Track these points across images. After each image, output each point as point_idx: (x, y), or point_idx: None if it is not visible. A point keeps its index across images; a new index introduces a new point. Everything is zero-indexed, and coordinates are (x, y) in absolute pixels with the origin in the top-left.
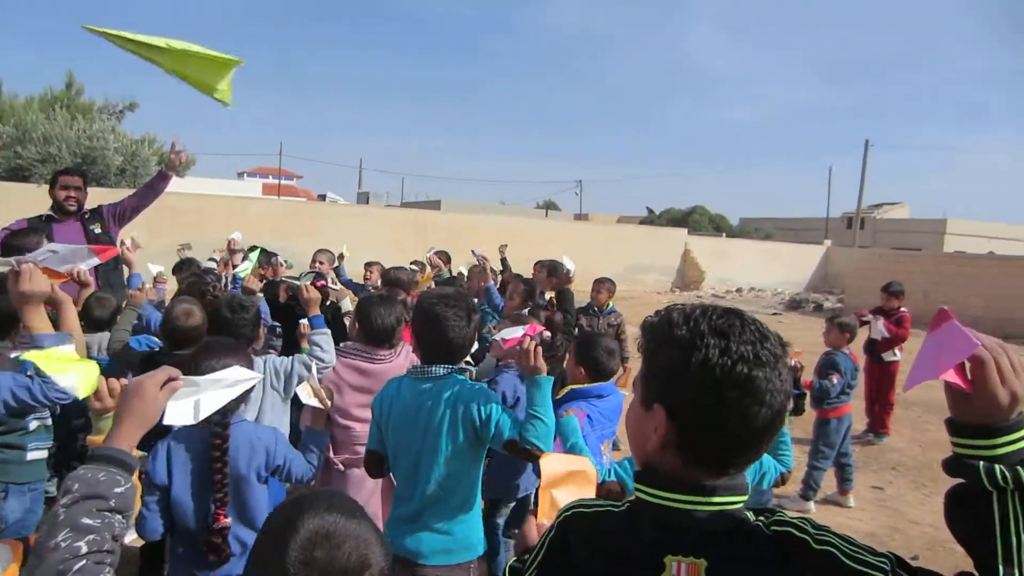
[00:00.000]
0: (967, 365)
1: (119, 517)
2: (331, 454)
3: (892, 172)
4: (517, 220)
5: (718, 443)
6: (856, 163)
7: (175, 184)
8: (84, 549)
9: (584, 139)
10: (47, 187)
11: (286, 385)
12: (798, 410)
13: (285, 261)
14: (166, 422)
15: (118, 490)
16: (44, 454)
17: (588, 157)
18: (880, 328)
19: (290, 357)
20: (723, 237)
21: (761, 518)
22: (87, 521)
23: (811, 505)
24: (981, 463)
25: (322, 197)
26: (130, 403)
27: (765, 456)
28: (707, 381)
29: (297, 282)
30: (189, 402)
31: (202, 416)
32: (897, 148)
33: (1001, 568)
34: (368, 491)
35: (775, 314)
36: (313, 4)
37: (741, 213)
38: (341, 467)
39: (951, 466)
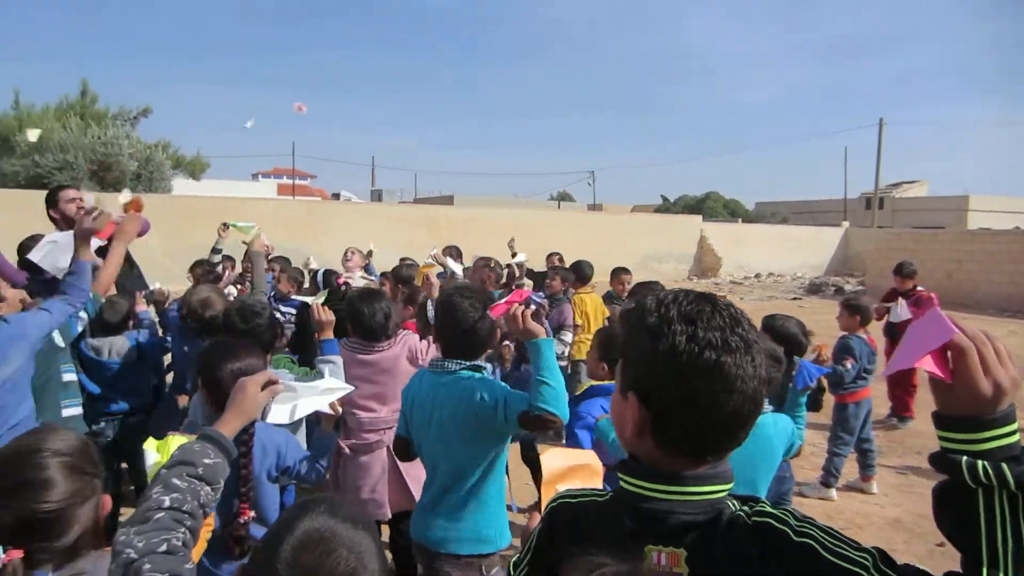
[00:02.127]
0: (949, 355)
1: (207, 488)
2: (339, 439)
3: (910, 150)
4: (530, 212)
5: (691, 431)
6: (872, 142)
7: (192, 187)
8: (167, 503)
9: (595, 129)
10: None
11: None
12: (815, 405)
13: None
14: (268, 420)
15: (207, 461)
16: (79, 411)
17: (600, 147)
18: (902, 310)
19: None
20: (739, 223)
21: (744, 508)
22: (176, 482)
23: (833, 492)
24: (964, 458)
25: (336, 196)
26: (235, 397)
27: (792, 425)
28: (674, 368)
29: (310, 299)
30: (288, 406)
31: (297, 417)
32: (914, 125)
33: (985, 571)
34: (375, 476)
35: (795, 299)
36: (317, 2)
37: (756, 198)
38: (348, 452)
39: (936, 460)
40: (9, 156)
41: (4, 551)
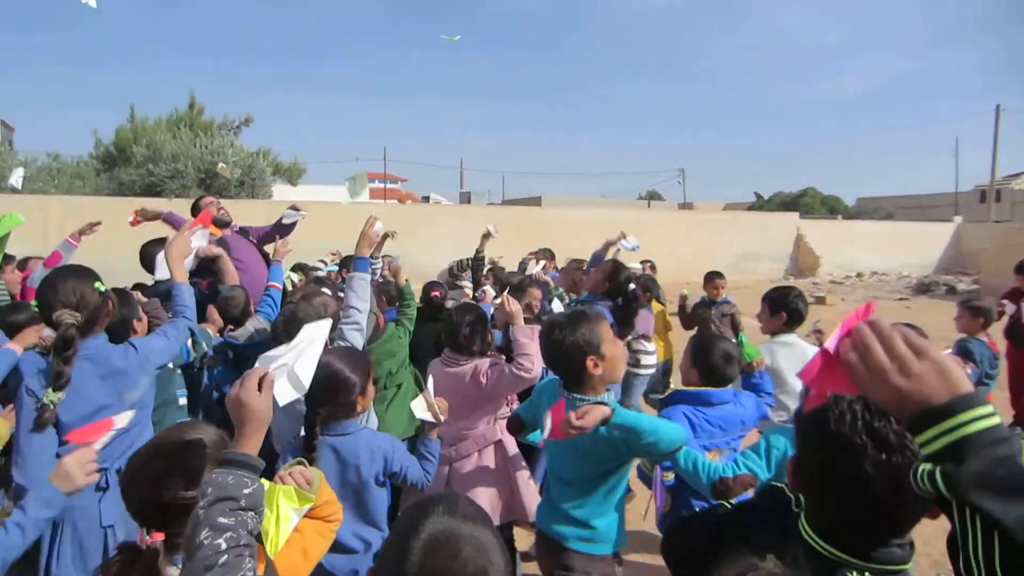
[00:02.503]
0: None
1: (251, 513)
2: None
3: None
4: (619, 212)
5: None
6: (987, 131)
7: (288, 192)
8: (224, 546)
9: (685, 126)
10: (178, 201)
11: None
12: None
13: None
14: (281, 404)
15: (246, 491)
16: None
17: (690, 144)
18: None
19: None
20: (839, 219)
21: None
22: (223, 520)
23: None
24: (919, 466)
25: (426, 199)
26: (238, 414)
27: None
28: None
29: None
30: (285, 381)
31: (307, 383)
32: None
33: None
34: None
35: (901, 299)
36: (405, 10)
37: (858, 193)
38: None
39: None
40: (126, 166)
41: (148, 533)
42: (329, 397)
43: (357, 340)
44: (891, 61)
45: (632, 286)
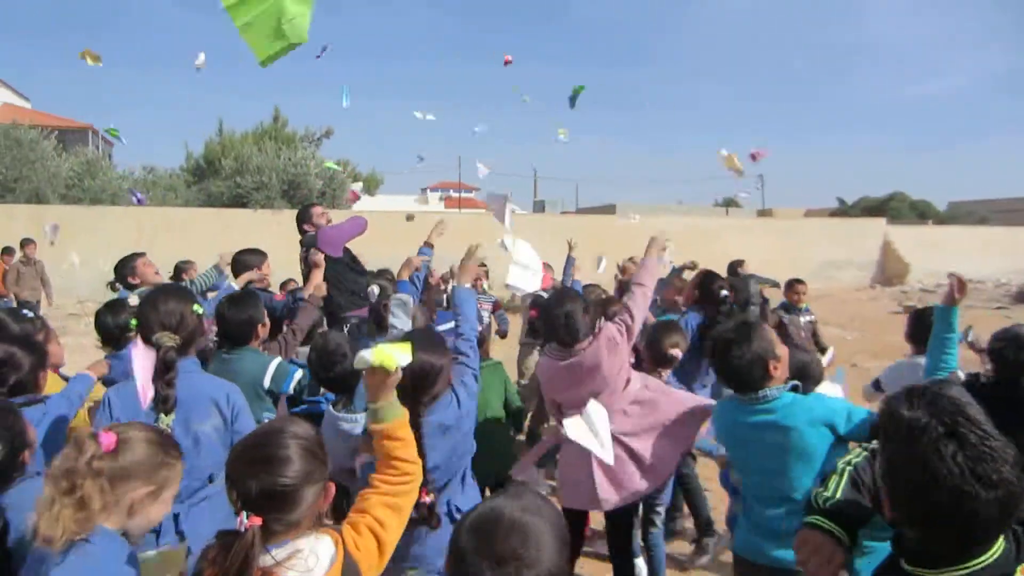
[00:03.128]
0: None
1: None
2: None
3: None
4: (696, 220)
5: None
6: None
7: (367, 202)
8: None
9: (761, 131)
10: (263, 212)
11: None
12: None
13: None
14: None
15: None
16: None
17: (768, 147)
18: None
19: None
20: (929, 225)
21: None
22: None
23: None
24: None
25: None
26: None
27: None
28: None
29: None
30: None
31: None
32: None
33: None
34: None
35: (999, 308)
36: (475, 15)
37: (949, 197)
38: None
39: None
40: (215, 178)
41: (247, 517)
42: (429, 384)
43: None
44: (985, 58)
45: (724, 292)
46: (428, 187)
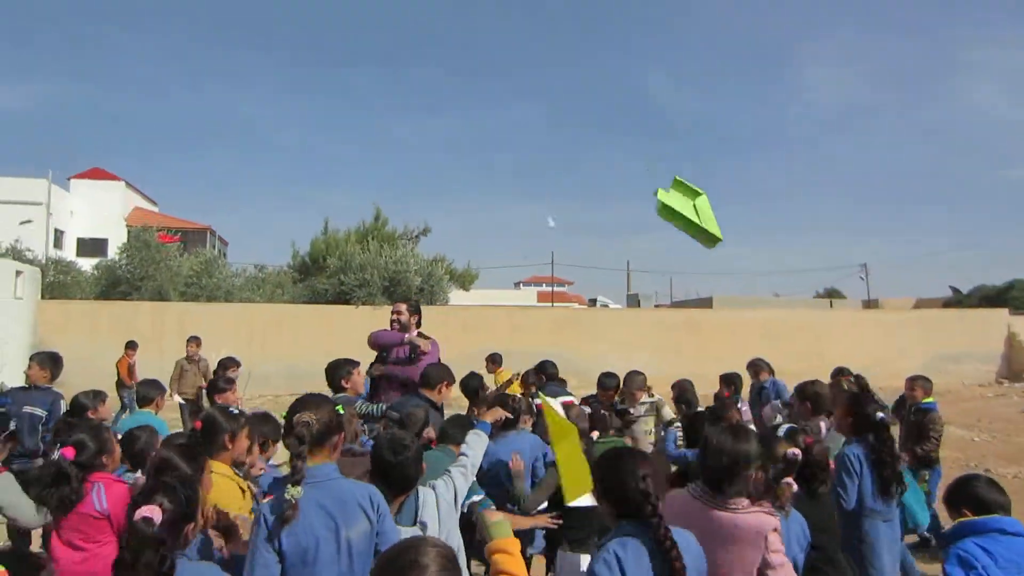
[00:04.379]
0: None
1: None
2: None
3: None
4: (798, 312)
5: None
6: None
7: (464, 297)
8: None
9: (864, 219)
10: (365, 308)
11: (456, 501)
12: None
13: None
14: None
15: None
16: None
17: (871, 238)
18: None
19: (446, 475)
20: None
21: None
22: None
23: None
24: None
25: (592, 302)
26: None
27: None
28: None
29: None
30: None
31: None
32: None
33: None
34: None
35: None
36: (571, 118)
37: None
38: None
39: None
40: (320, 275)
41: None
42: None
43: (461, 484)
44: None
45: (880, 415)
46: (521, 281)
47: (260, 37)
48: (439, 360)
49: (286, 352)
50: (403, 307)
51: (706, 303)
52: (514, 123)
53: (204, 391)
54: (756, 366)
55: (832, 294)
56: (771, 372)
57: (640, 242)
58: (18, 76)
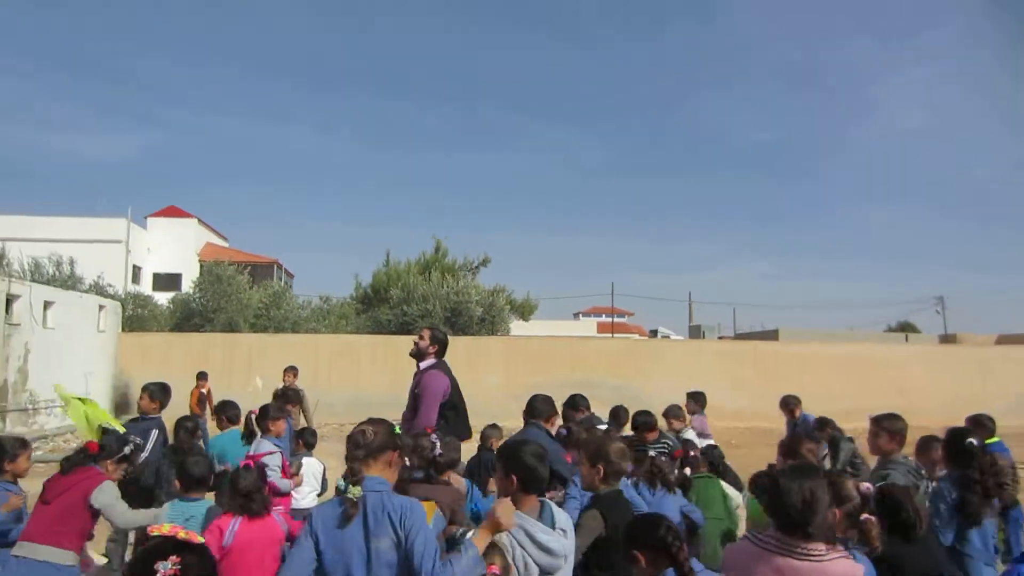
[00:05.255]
0: None
1: None
2: None
3: None
4: (870, 347)
5: None
6: None
7: (525, 327)
8: None
9: (940, 251)
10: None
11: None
12: None
13: None
14: None
15: None
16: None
17: (947, 270)
18: None
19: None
20: None
21: None
22: None
23: None
24: None
25: (653, 333)
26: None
27: None
28: None
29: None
30: None
31: None
32: None
33: None
34: None
35: None
36: (633, 146)
37: None
38: None
39: None
40: (382, 306)
41: None
42: None
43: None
44: None
45: (972, 441)
46: (581, 312)
47: (338, 79)
48: (441, 394)
49: (351, 381)
50: (427, 333)
51: (771, 335)
52: (566, 156)
53: (305, 420)
54: (788, 403)
55: (906, 328)
56: (800, 406)
57: (703, 273)
58: (106, 126)
